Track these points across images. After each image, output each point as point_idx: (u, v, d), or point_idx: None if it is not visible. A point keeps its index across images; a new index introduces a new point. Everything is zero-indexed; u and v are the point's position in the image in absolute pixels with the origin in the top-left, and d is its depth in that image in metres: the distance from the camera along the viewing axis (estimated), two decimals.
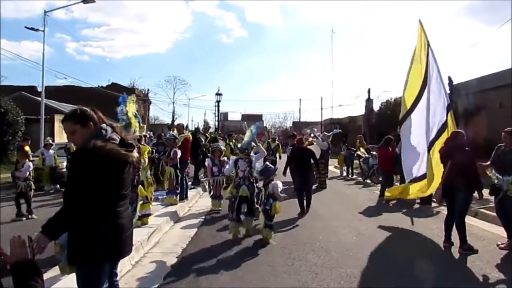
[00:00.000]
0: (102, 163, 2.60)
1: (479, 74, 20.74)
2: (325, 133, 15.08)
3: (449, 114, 6.86)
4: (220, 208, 9.11)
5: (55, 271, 4.01)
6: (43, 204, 9.92)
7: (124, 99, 6.41)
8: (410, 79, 7.55)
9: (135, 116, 6.61)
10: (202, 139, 13.88)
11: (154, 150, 11.27)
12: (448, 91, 7.04)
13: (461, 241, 5.90)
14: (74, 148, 3.18)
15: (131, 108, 6.43)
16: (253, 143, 7.55)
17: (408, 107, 7.65)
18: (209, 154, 10.69)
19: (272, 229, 6.57)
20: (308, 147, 12.11)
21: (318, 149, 13.22)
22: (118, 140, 2.81)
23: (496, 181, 5.99)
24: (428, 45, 7.03)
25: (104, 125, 2.85)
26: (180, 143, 9.55)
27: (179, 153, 9.11)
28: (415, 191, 7.79)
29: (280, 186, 6.69)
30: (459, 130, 6.64)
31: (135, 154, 2.84)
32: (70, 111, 2.91)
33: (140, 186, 6.34)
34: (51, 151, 12.91)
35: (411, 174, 7.77)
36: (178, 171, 9.34)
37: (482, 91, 17.79)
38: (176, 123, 15.46)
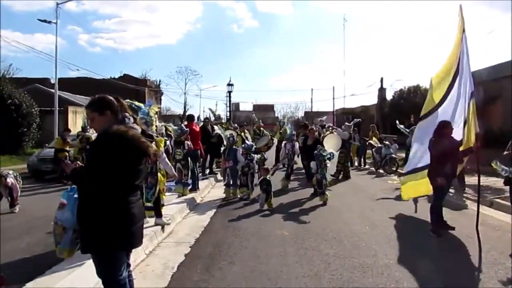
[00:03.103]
0: (123, 147, 2.66)
1: (495, 61, 20.29)
2: (346, 123, 14.95)
3: (472, 101, 6.72)
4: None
5: (74, 259, 4.09)
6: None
7: (150, 103, 6.84)
8: (445, 66, 7.31)
9: (155, 115, 6.87)
10: (215, 128, 13.79)
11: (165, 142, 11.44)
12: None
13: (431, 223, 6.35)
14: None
15: (154, 109, 6.73)
16: (294, 133, 12.21)
17: (437, 101, 7.40)
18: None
19: (326, 193, 8.92)
20: (329, 135, 12.54)
21: (339, 139, 13.14)
22: (140, 130, 2.88)
23: (503, 172, 5.93)
24: (464, 30, 6.87)
25: (127, 114, 2.92)
26: (178, 135, 9.49)
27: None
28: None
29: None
30: (446, 120, 6.52)
31: (153, 146, 2.91)
32: (91, 99, 3.00)
33: (159, 173, 6.44)
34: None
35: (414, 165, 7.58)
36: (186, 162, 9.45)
37: (497, 79, 17.43)
38: (187, 113, 15.63)
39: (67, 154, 12.61)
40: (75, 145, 12.69)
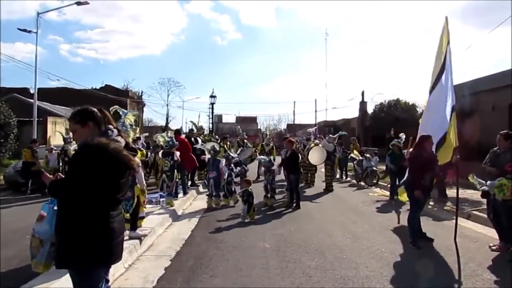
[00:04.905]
0: (104, 160, 2.60)
1: (472, 77, 20.83)
2: (330, 135, 15.07)
3: (453, 115, 6.85)
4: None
5: (49, 274, 3.99)
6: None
7: (125, 113, 6.83)
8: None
9: (132, 126, 6.88)
10: (199, 140, 13.91)
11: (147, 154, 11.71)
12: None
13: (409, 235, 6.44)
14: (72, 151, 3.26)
15: (130, 119, 6.74)
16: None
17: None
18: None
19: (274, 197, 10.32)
20: (314, 148, 13.04)
21: (324, 151, 13.18)
22: (123, 143, 2.83)
23: (479, 186, 6.06)
24: (448, 43, 7.01)
25: (111, 126, 2.88)
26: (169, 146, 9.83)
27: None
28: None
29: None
30: (426, 134, 6.65)
31: (137, 159, 2.86)
32: (73, 110, 2.96)
33: (137, 185, 6.35)
34: (54, 153, 12.81)
35: None
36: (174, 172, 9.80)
37: (475, 93, 17.91)
38: (170, 125, 15.79)
39: (39, 165, 12.38)
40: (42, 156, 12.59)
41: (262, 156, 11.47)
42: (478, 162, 6.75)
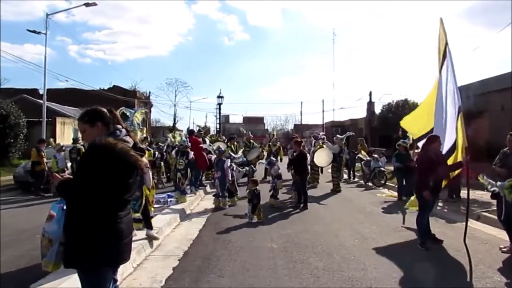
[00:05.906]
0: (111, 160, 2.60)
1: (481, 77, 20.64)
2: (338, 135, 15.01)
3: (459, 116, 6.76)
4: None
5: (59, 273, 4.01)
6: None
7: (132, 112, 6.91)
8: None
9: (139, 125, 6.98)
10: (207, 140, 14.08)
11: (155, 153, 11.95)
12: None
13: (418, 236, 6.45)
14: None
15: (138, 117, 6.82)
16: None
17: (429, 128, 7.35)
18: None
19: (277, 198, 10.19)
20: (319, 150, 13.04)
21: (330, 153, 13.12)
22: (131, 143, 2.83)
23: (489, 187, 6.00)
24: (446, 44, 6.91)
25: (119, 126, 2.88)
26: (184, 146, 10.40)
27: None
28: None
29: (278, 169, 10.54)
30: (434, 135, 6.57)
31: (144, 160, 2.86)
32: (82, 111, 2.96)
33: (145, 185, 6.39)
34: (62, 153, 12.82)
35: None
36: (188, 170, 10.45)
37: (484, 93, 17.74)
38: (177, 125, 16.04)
39: (45, 166, 12.42)
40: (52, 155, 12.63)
41: (262, 161, 12.22)
42: (488, 163, 6.68)
